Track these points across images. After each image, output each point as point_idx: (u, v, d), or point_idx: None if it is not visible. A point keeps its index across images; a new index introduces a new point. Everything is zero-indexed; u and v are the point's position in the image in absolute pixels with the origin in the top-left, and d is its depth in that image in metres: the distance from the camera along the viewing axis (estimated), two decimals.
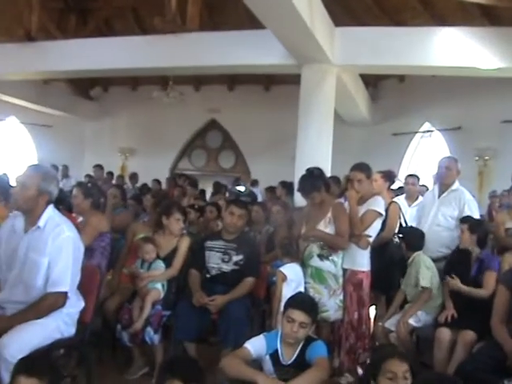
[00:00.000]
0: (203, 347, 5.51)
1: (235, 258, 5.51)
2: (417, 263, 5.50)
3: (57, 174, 5.66)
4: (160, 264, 5.49)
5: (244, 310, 5.22)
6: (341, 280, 5.46)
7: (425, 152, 15.28)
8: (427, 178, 11.35)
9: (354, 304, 5.48)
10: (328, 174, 7.46)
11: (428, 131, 14.95)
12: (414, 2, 11.62)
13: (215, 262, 5.53)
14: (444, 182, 6.16)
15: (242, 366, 3.70)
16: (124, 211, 7.75)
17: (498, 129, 12.81)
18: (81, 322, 4.21)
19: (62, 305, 3.91)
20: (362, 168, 5.68)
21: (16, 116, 18.58)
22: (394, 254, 5.98)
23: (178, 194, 9.81)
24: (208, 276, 5.53)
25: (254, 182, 15.45)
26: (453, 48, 9.14)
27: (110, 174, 15.08)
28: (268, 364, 3.93)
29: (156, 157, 17.97)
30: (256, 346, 3.94)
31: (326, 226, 5.39)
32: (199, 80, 18.07)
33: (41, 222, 3.92)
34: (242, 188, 14.13)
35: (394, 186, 7.88)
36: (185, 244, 5.70)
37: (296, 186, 6.32)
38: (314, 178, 5.50)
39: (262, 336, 4.04)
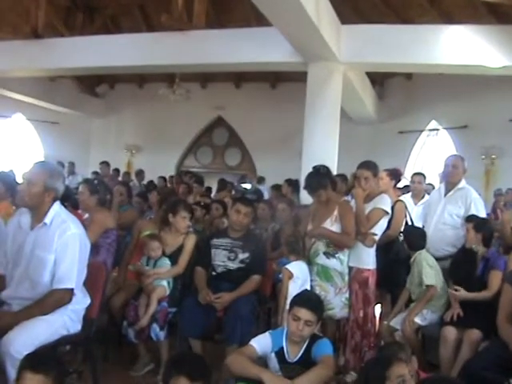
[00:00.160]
0: (209, 344, 5.51)
1: (241, 256, 5.51)
2: (419, 262, 5.49)
3: (63, 170, 5.67)
4: (166, 261, 5.50)
5: (250, 307, 5.22)
6: (347, 278, 5.45)
7: (431, 150, 15.24)
8: (433, 177, 11.32)
9: (360, 302, 5.47)
10: (334, 171, 7.45)
11: (434, 129, 14.92)
12: (421, 0, 11.59)
13: (221, 259, 5.53)
14: (450, 181, 6.14)
15: (247, 363, 3.70)
16: (130, 208, 7.76)
17: (505, 127, 12.79)
18: (87, 319, 4.22)
19: (68, 301, 3.93)
20: (369, 166, 5.67)
21: (22, 113, 18.62)
22: (399, 252, 5.96)
23: (184, 191, 9.81)
24: (214, 274, 5.54)
25: (261, 180, 15.42)
26: (460, 46, 9.12)
27: (117, 170, 15.10)
28: (273, 361, 3.93)
29: (162, 154, 18.00)
30: (261, 343, 3.94)
31: (332, 224, 5.38)
32: (205, 77, 18.08)
33: (47, 219, 3.93)
34: (248, 185, 14.13)
35: (400, 185, 7.86)
36: (191, 242, 5.70)
37: (302, 184, 6.32)
38: (320, 175, 5.49)
39: (267, 334, 4.04)
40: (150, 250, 5.48)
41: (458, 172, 6.09)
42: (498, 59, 8.99)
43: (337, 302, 5.39)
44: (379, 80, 15.63)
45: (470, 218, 5.57)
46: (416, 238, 5.72)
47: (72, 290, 3.92)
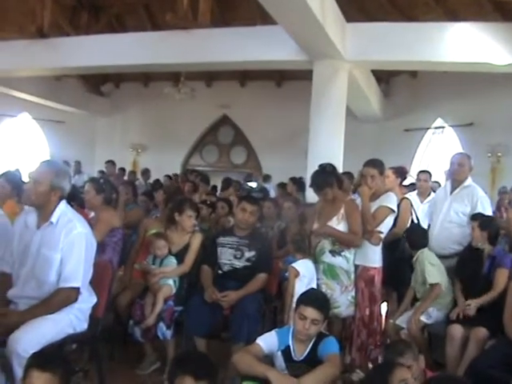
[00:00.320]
0: (215, 343, 5.51)
1: (247, 254, 5.51)
2: (421, 261, 5.48)
3: (69, 169, 5.70)
4: (172, 260, 5.50)
5: (256, 305, 5.22)
6: (353, 276, 5.44)
7: (437, 148, 15.21)
8: (439, 175, 11.30)
9: (366, 300, 5.47)
10: (340, 169, 7.44)
11: (440, 127, 14.88)
12: None
13: (227, 258, 5.53)
14: (456, 179, 6.13)
15: (253, 361, 3.70)
16: (136, 207, 7.77)
17: (511, 125, 12.74)
18: (93, 318, 4.23)
19: (75, 300, 3.94)
20: (375, 164, 5.66)
21: (28, 112, 18.65)
22: (405, 250, 5.95)
23: (189, 190, 9.82)
24: (220, 272, 5.54)
25: (267, 178, 15.41)
26: (465, 43, 9.10)
27: (122, 169, 15.12)
28: (280, 360, 3.93)
29: (168, 153, 18.00)
30: (268, 341, 3.95)
31: (338, 223, 5.37)
32: (211, 76, 18.08)
33: (53, 218, 3.94)
34: (253, 184, 14.13)
35: (406, 182, 7.85)
36: (197, 240, 5.71)
37: (307, 182, 6.31)
38: (326, 173, 5.48)
39: (273, 332, 4.05)
40: (156, 248, 5.49)
41: (464, 170, 6.08)
42: (504, 57, 8.97)
43: (343, 301, 5.38)
44: (385, 78, 15.61)
45: (476, 217, 5.56)
46: (417, 236, 5.71)
47: (78, 288, 3.93)
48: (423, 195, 7.81)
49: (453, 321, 5.12)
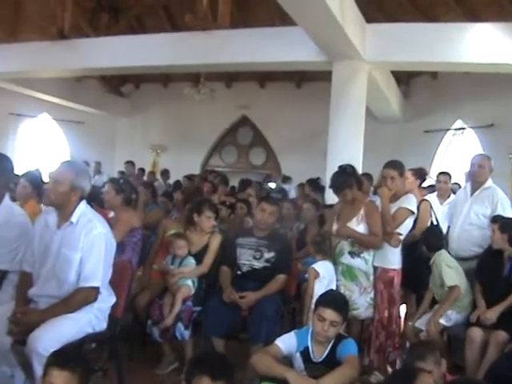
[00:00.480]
0: (233, 343, 5.52)
1: (267, 255, 5.51)
2: (438, 264, 5.44)
3: (89, 170, 5.75)
4: (191, 260, 5.51)
5: (275, 306, 5.22)
6: (372, 278, 5.43)
7: (457, 149, 15.12)
8: (459, 176, 11.22)
9: (385, 302, 5.45)
10: (359, 171, 7.41)
11: (460, 128, 14.78)
12: None
13: (247, 258, 5.53)
14: (476, 180, 6.09)
15: (272, 362, 3.71)
16: (156, 208, 7.79)
17: None
18: (112, 317, 4.25)
19: (94, 300, 3.96)
20: (395, 165, 5.63)
21: (49, 113, 18.75)
22: (424, 252, 5.91)
23: (208, 190, 9.83)
24: (239, 273, 5.54)
25: (287, 179, 15.37)
26: (486, 44, 9.02)
27: (142, 170, 15.17)
28: (298, 361, 3.93)
29: (187, 153, 18.01)
30: (286, 343, 3.95)
31: (357, 224, 5.35)
32: (230, 77, 18.07)
33: (73, 218, 3.96)
34: (272, 185, 14.12)
35: (425, 184, 7.81)
36: (216, 241, 5.72)
37: (327, 183, 6.30)
38: (346, 174, 5.47)
39: (292, 333, 4.05)
40: (177, 248, 5.50)
41: (485, 171, 6.04)
42: None
43: (362, 302, 5.37)
44: (404, 79, 15.53)
45: (496, 219, 5.53)
46: (434, 238, 5.66)
47: (98, 288, 3.95)
48: (443, 197, 7.77)
49: (472, 324, 5.08)
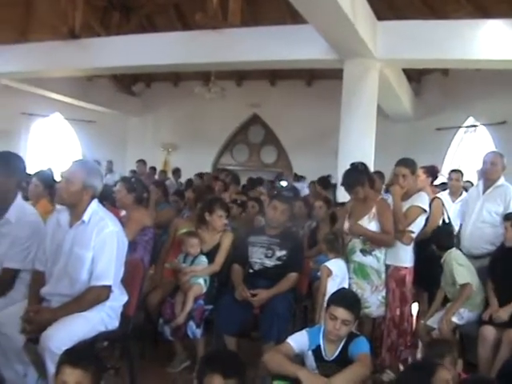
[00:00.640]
0: (245, 342, 5.53)
1: (278, 253, 5.50)
2: (448, 262, 5.40)
3: (101, 169, 5.76)
4: (203, 259, 5.51)
5: (287, 305, 5.21)
6: (383, 276, 5.41)
7: (469, 147, 15.06)
8: (472, 174, 11.18)
9: (397, 300, 5.43)
10: (371, 168, 7.39)
11: (472, 126, 14.73)
12: None
13: (258, 256, 5.52)
14: (489, 178, 6.06)
15: (284, 361, 3.70)
16: (167, 207, 7.79)
17: None
18: (124, 316, 4.26)
19: (106, 298, 3.97)
20: (407, 163, 5.62)
21: (60, 112, 18.84)
22: (435, 251, 5.90)
23: (220, 189, 9.84)
24: (251, 271, 5.54)
25: (300, 178, 15.35)
26: (497, 41, 8.98)
27: (153, 168, 15.20)
28: (310, 359, 3.92)
29: (198, 152, 18.05)
30: (298, 341, 3.94)
31: (369, 222, 5.34)
32: (241, 75, 18.10)
33: (85, 217, 3.98)
34: (284, 183, 14.12)
35: (437, 182, 7.78)
36: (228, 240, 5.72)
37: (338, 181, 6.29)
38: (358, 172, 5.46)
39: (304, 331, 4.04)
40: (189, 246, 5.50)
41: (497, 169, 6.00)
42: None
43: (373, 301, 5.36)
44: (416, 76, 15.50)
45: (509, 216, 5.49)
46: (444, 237, 5.62)
47: (110, 286, 3.96)
48: (455, 195, 7.73)
49: (485, 322, 5.06)
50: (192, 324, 5.19)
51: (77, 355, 2.99)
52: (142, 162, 14.46)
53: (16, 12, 14.90)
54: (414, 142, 14.48)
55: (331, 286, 5.15)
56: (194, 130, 18.23)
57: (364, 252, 5.36)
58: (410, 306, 5.61)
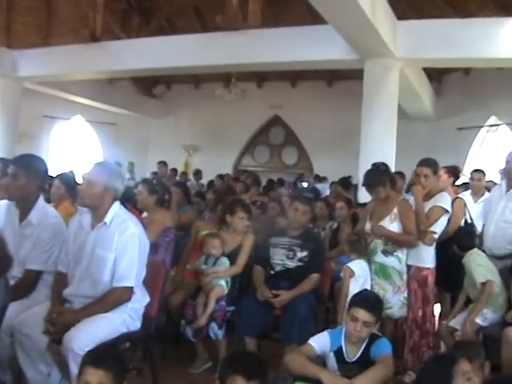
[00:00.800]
0: (265, 343, 5.52)
1: (300, 255, 5.48)
2: (467, 264, 5.35)
3: (122, 171, 5.79)
4: (225, 261, 5.52)
5: (308, 306, 5.20)
6: (405, 276, 5.38)
7: (491, 147, 14.95)
8: (494, 173, 11.09)
9: (419, 301, 5.40)
10: (392, 169, 7.36)
11: (494, 125, 14.62)
12: None
13: (280, 258, 5.51)
14: None
15: (305, 362, 3.69)
16: (190, 209, 7.81)
17: None
18: (146, 317, 4.27)
19: (128, 299, 3.98)
20: (429, 163, 5.59)
21: (82, 115, 18.96)
22: (456, 251, 5.86)
23: (241, 190, 9.85)
24: (272, 272, 5.52)
25: (322, 179, 15.33)
26: None
27: (174, 170, 15.25)
28: (332, 361, 3.91)
29: (219, 153, 18.09)
30: (320, 342, 3.93)
31: (391, 222, 5.32)
32: (261, 76, 18.11)
33: (107, 219, 4.00)
34: (306, 184, 14.11)
35: (459, 182, 7.73)
36: (249, 241, 5.72)
37: (359, 182, 6.27)
38: (379, 172, 5.44)
39: (326, 333, 4.03)
40: (211, 247, 5.51)
41: None
42: None
43: (395, 301, 5.33)
44: (436, 76, 15.43)
45: None
46: (465, 238, 5.58)
47: (132, 288, 3.98)
48: (477, 195, 7.68)
49: (509, 323, 5.01)
50: (214, 325, 5.20)
51: (99, 356, 3.00)
52: (163, 163, 14.48)
53: (38, 16, 15.06)
54: (435, 142, 14.42)
55: (353, 287, 5.13)
56: (215, 131, 18.27)
57: (385, 253, 5.34)
58: (433, 307, 5.58)
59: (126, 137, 18.79)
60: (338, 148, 16.15)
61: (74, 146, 19.65)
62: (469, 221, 6.25)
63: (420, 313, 5.40)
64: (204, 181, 14.40)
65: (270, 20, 13.01)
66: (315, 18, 9.29)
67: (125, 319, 4.02)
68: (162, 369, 4.79)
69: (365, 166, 6.16)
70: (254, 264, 5.61)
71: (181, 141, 19.09)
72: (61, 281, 4.15)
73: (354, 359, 3.86)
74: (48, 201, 5.35)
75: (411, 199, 5.56)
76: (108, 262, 3.93)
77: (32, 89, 14.74)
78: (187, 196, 8.17)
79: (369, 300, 4.00)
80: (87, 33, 12.52)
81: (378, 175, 5.42)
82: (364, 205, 6.53)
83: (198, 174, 15.27)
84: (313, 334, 4.08)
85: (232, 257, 5.59)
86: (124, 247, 3.95)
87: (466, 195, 7.45)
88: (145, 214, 6.16)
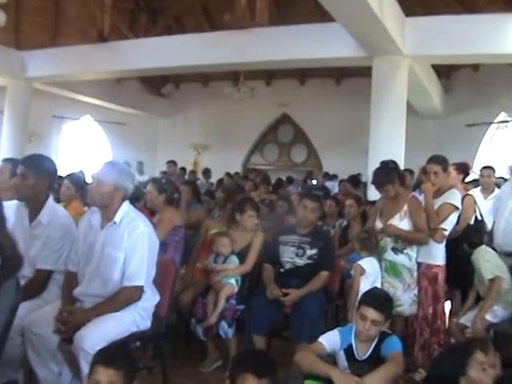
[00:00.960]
0: (276, 341, 5.52)
1: (309, 252, 5.48)
2: (475, 261, 5.34)
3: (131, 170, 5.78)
4: (234, 259, 5.52)
5: (318, 304, 5.19)
6: (415, 274, 5.38)
7: (501, 143, 14.90)
8: (504, 170, 11.06)
9: (429, 298, 5.39)
10: (401, 166, 7.34)
11: (504, 121, 14.57)
12: None
13: (289, 256, 5.50)
14: None
15: (316, 360, 3.68)
16: (199, 208, 7.81)
17: None
18: (156, 316, 4.27)
19: (138, 298, 3.99)
20: (439, 160, 5.56)
21: (91, 114, 18.98)
22: (466, 249, 5.84)
23: (250, 188, 9.84)
24: (282, 270, 5.52)
25: (333, 176, 15.32)
26: None
27: (183, 169, 15.26)
28: (342, 359, 3.90)
29: (228, 152, 18.10)
30: (330, 340, 3.92)
31: (400, 220, 5.31)
32: (270, 74, 18.11)
33: (116, 218, 4.00)
34: (315, 182, 14.10)
35: (469, 179, 7.71)
36: (259, 240, 5.71)
37: (369, 180, 6.26)
38: (388, 170, 5.43)
39: (336, 331, 4.02)
40: (221, 246, 5.51)
41: None
42: None
43: (405, 299, 5.32)
44: (445, 72, 15.38)
45: None
46: (473, 235, 5.57)
47: (142, 287, 3.98)
48: (487, 191, 7.65)
49: None
50: (224, 324, 5.20)
51: (110, 355, 3.01)
52: (172, 162, 14.49)
53: (46, 16, 15.13)
54: (444, 139, 14.38)
55: (364, 285, 5.13)
56: (224, 130, 18.28)
57: (395, 250, 5.33)
58: (443, 304, 5.56)
59: (134, 136, 18.81)
60: (346, 146, 16.12)
61: (83, 146, 19.67)
62: (479, 218, 6.23)
63: (430, 310, 5.39)
64: (213, 179, 14.40)
65: (277, 18, 13.00)
66: (323, 16, 9.30)
67: (135, 318, 4.03)
68: (173, 368, 4.79)
69: (374, 164, 6.15)
70: (263, 262, 5.60)
71: (190, 140, 19.10)
72: (71, 280, 4.16)
73: (364, 357, 3.85)
74: (58, 201, 5.37)
75: (421, 197, 5.55)
76: (118, 261, 3.94)
77: (41, 89, 14.80)
78: (197, 195, 8.17)
79: (377, 299, 3.98)
80: (95, 33, 12.56)
81: (387, 173, 5.41)
82: (373, 202, 6.51)
83: (207, 172, 15.27)
84: (323, 332, 4.07)
85: (241, 255, 5.58)
86: (134, 246, 3.96)
87: (476, 192, 7.42)
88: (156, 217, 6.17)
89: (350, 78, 16.88)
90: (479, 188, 7.79)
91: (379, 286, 5.22)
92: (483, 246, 5.45)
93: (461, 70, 15.11)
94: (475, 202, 6.32)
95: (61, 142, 19.02)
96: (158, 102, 19.39)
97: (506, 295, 5.23)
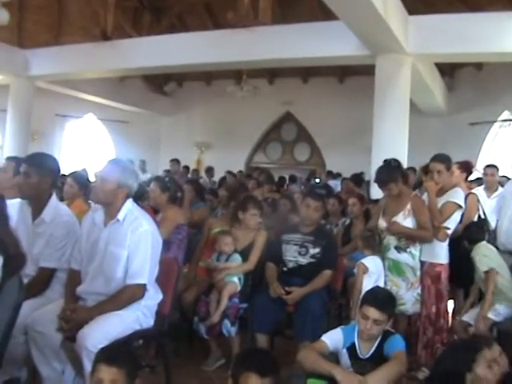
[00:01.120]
0: (278, 340, 5.53)
1: (312, 251, 5.48)
2: (473, 258, 5.34)
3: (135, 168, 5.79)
4: (237, 257, 5.52)
5: (321, 302, 5.19)
6: (418, 273, 5.37)
7: (504, 141, 14.87)
8: (507, 168, 11.04)
9: (432, 297, 5.39)
10: (404, 165, 7.33)
11: (507, 120, 14.54)
12: None
13: (292, 255, 5.50)
14: None
15: (318, 359, 3.68)
16: (203, 206, 7.81)
17: None
18: (159, 314, 4.28)
19: (141, 297, 3.99)
20: (442, 159, 5.56)
21: (94, 113, 19.00)
22: (466, 246, 5.83)
23: (253, 187, 9.83)
24: (285, 269, 5.51)
25: (337, 175, 15.30)
26: None
27: (186, 168, 15.27)
28: (345, 357, 3.90)
29: (231, 150, 18.11)
30: (333, 339, 3.92)
31: (404, 218, 5.30)
32: (273, 73, 18.11)
33: (120, 216, 4.01)
34: (318, 180, 14.10)
35: (472, 177, 7.70)
36: (262, 238, 5.71)
37: (372, 178, 6.26)
38: (391, 168, 5.43)
39: (338, 329, 4.02)
40: (223, 244, 5.51)
41: None
42: None
43: (409, 298, 5.32)
44: (448, 71, 15.36)
45: None
46: (474, 231, 5.56)
47: (145, 285, 3.99)
48: (490, 190, 7.63)
49: None
50: (227, 322, 5.21)
51: (112, 353, 3.01)
52: (175, 161, 14.50)
53: (49, 15, 15.13)
54: (447, 138, 14.37)
55: (367, 283, 5.13)
56: (227, 128, 18.28)
57: (398, 249, 5.33)
58: (446, 303, 5.56)
59: (137, 134, 18.82)
60: (350, 144, 16.12)
61: (86, 145, 19.69)
62: (482, 216, 6.22)
63: (434, 309, 5.39)
64: (216, 178, 14.42)
65: (280, 17, 13.00)
66: (326, 14, 9.29)
67: (138, 316, 4.03)
68: (175, 366, 4.79)
69: (377, 162, 6.15)
70: (266, 261, 5.60)
71: (193, 138, 19.11)
72: (74, 278, 4.17)
73: (367, 356, 3.85)
74: (61, 199, 5.38)
75: (424, 195, 5.55)
76: (121, 259, 3.94)
77: (44, 88, 14.81)
78: (200, 193, 8.17)
79: (379, 298, 3.96)
80: (98, 31, 12.56)
81: (390, 172, 5.40)
82: (376, 201, 6.51)
83: (210, 171, 15.29)
84: (325, 331, 4.07)
85: (244, 254, 5.59)
86: (137, 244, 3.96)
87: (480, 190, 7.41)
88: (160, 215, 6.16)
89: (353, 76, 16.87)
90: (482, 186, 7.78)
91: (382, 284, 5.22)
92: (483, 243, 5.45)
93: (464, 68, 15.09)
94: (478, 201, 6.31)
95: (64, 141, 19.04)
96: (161, 101, 19.40)
97: (508, 293, 5.23)
